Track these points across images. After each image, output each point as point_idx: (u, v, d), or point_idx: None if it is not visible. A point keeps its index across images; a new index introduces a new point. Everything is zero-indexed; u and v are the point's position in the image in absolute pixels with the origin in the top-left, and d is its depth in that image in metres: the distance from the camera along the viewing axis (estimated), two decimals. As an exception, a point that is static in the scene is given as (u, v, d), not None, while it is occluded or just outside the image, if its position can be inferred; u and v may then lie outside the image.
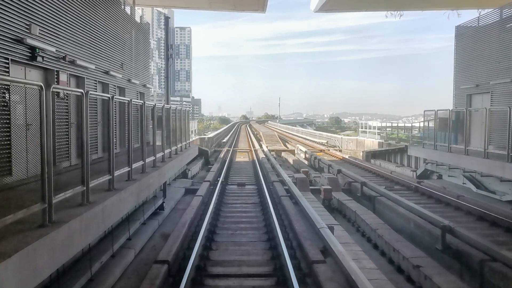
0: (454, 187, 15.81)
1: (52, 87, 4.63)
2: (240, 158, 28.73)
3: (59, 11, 9.39)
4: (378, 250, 9.39)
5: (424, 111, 19.95)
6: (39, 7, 8.50)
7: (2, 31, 7.25)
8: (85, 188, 5.54)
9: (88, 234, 5.37)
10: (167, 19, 25.32)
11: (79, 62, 10.35)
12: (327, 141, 41.55)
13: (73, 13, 10.19)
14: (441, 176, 18.28)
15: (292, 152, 32.74)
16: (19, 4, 7.76)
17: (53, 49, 9.02)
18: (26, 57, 8.05)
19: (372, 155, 27.97)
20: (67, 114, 8.67)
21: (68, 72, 9.88)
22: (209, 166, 23.03)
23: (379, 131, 32.70)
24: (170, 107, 12.65)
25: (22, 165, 5.24)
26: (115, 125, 7.43)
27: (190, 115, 24.65)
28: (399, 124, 34.47)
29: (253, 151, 31.75)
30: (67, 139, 8.68)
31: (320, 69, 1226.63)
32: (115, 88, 13.82)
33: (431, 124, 19.00)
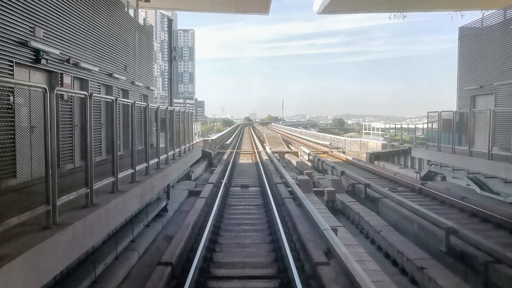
0: (458, 189, 15.74)
1: (56, 89, 4.65)
2: (244, 160, 28.73)
3: (63, 14, 9.45)
4: (382, 252, 9.35)
5: (428, 113, 19.88)
6: (43, 10, 8.55)
7: (7, 34, 7.30)
8: (89, 190, 5.55)
9: (92, 236, 5.39)
10: (170, 21, 25.41)
11: (83, 64, 10.41)
12: (331, 143, 41.47)
13: (77, 16, 10.25)
14: (445, 177, 18.20)
15: (296, 154, 32.71)
16: (23, 7, 7.81)
17: (57, 52, 9.07)
18: (30, 60, 8.10)
19: (376, 156, 27.90)
20: (71, 116, 8.72)
21: (72, 75, 9.92)
22: (213, 168, 23.02)
23: (382, 132, 32.63)
24: (173, 109, 12.66)
25: (27, 167, 5.26)
26: (118, 127, 7.46)
27: (193, 117, 24.67)
28: (403, 126, 34.36)
29: (257, 153, 31.73)
30: (71, 141, 8.72)
31: (323, 71, 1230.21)
32: (118, 90, 13.87)
33: (435, 126, 18.95)
